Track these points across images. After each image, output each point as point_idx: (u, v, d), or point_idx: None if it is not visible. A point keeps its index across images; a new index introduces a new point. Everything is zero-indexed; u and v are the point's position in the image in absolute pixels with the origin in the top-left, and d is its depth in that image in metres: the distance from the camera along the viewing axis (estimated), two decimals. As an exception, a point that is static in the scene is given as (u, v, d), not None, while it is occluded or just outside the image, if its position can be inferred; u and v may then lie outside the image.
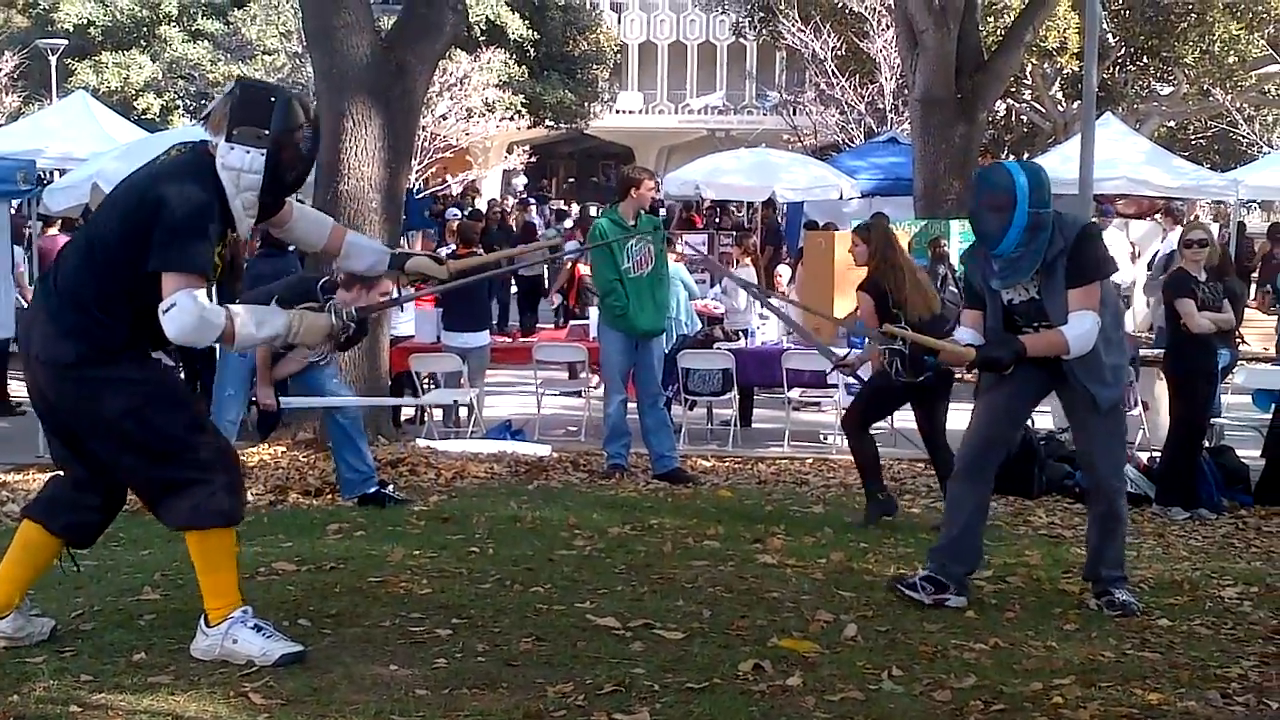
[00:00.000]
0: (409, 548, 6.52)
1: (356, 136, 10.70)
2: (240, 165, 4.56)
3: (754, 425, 12.45)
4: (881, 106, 29.27)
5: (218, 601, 4.67)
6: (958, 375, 7.82)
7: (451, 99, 29.64)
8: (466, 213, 24.29)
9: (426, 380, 12.16)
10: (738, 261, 16.66)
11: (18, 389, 12.30)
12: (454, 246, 14.33)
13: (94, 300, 4.56)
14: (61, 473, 4.90)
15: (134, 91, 33.79)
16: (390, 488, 8.37)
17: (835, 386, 11.66)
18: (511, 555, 6.42)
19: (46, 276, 4.84)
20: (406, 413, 12.48)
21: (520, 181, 45.08)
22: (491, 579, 5.90)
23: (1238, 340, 11.40)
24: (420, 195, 26.26)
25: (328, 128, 10.92)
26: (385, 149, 10.81)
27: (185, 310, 4.45)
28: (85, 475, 4.76)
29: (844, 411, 8.47)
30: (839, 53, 30.04)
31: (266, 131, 4.58)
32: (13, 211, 12.53)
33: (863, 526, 7.77)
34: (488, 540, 6.82)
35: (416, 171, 25.38)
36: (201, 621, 4.67)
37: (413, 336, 12.68)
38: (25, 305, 10.96)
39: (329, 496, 8.55)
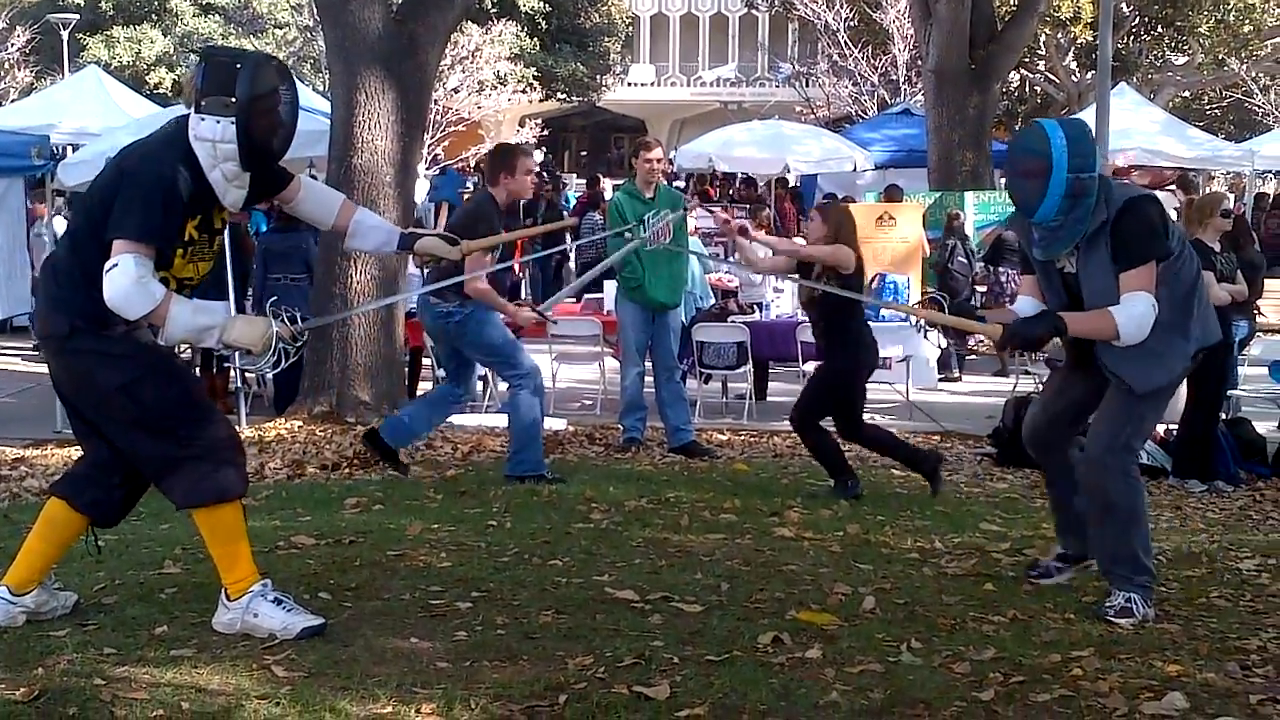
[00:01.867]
0: (427, 521, 6.55)
1: (369, 110, 10.70)
2: (211, 135, 4.51)
3: (769, 399, 12.44)
4: (895, 78, 29.22)
5: (233, 576, 4.69)
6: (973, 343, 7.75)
7: (463, 72, 29.60)
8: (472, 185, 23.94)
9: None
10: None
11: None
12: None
13: (84, 274, 4.55)
14: (83, 451, 4.94)
15: (146, 66, 33.80)
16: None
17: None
18: (529, 529, 6.43)
19: (49, 256, 4.82)
20: (422, 388, 12.50)
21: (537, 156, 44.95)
22: (510, 552, 5.92)
23: (1256, 312, 11.37)
24: (441, 169, 26.20)
25: (340, 101, 10.95)
26: (398, 122, 10.81)
27: (125, 272, 4.39)
28: (107, 454, 4.76)
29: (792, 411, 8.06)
30: (852, 24, 29.99)
31: (234, 99, 4.49)
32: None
33: (846, 499, 7.64)
34: (505, 514, 6.84)
35: (428, 145, 25.33)
36: (222, 595, 4.69)
37: (428, 310, 12.67)
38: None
39: (346, 471, 8.59)
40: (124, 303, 4.44)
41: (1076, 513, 5.57)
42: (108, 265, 4.41)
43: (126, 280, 4.39)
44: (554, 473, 8.10)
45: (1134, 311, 4.99)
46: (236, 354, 4.74)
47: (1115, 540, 5.25)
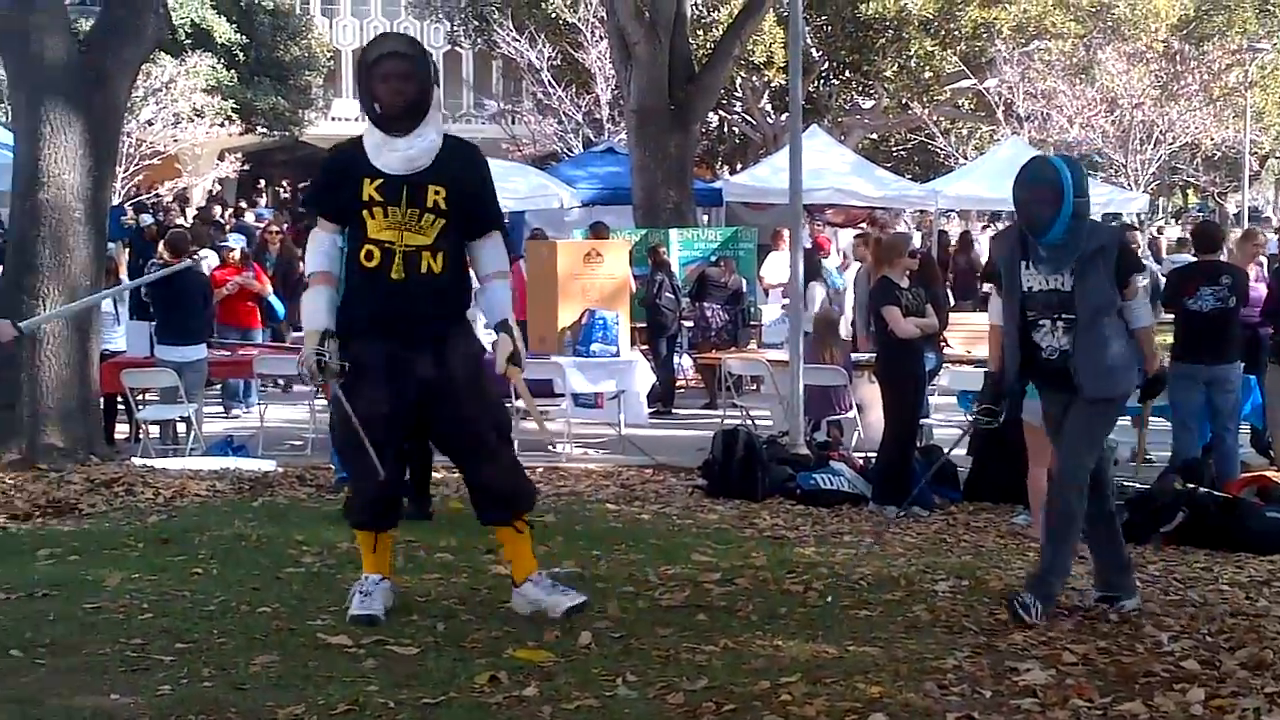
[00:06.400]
0: (127, 571, 6.27)
1: (55, 144, 10.23)
2: None
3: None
4: (599, 116, 29.66)
5: None
6: None
7: (157, 104, 28.67)
8: (149, 221, 22.13)
9: (143, 397, 11.72)
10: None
11: None
12: (165, 256, 13.40)
13: None
14: None
15: None
16: None
17: (562, 395, 11.73)
18: (237, 575, 6.24)
19: None
20: (120, 431, 12.01)
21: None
22: (216, 600, 5.73)
23: (942, 344, 11.94)
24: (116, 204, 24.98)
25: (24, 134, 10.45)
26: (88, 156, 10.37)
27: None
28: None
29: None
30: (555, 63, 30.29)
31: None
32: None
33: None
34: (211, 560, 6.61)
35: (122, 179, 24.37)
36: None
37: (124, 351, 12.20)
38: None
39: (39, 520, 8.15)
40: None
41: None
42: None
43: None
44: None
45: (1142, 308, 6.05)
46: None
47: (1058, 554, 6.02)
